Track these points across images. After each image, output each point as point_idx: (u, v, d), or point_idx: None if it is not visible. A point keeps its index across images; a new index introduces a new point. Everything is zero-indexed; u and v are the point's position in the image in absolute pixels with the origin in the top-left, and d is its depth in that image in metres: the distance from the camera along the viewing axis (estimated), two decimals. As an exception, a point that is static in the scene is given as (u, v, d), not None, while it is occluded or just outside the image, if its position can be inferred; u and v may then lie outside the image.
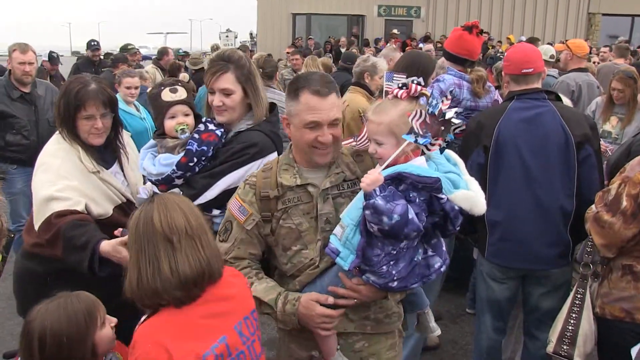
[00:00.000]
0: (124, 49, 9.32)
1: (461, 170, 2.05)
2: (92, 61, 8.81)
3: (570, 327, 2.72)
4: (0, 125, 4.86)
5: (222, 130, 2.53)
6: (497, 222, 3.03)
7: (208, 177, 2.47)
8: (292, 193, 2.15)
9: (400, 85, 1.99)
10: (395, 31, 19.42)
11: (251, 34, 27.55)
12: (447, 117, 1.97)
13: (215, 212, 2.49)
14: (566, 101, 3.50)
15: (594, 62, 7.96)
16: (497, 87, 4.43)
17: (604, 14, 21.35)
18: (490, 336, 3.32)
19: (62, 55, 13.25)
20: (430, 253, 2.03)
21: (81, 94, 2.58)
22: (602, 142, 3.52)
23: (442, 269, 2.07)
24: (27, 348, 1.77)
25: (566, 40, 6.60)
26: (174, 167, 2.45)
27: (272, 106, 2.69)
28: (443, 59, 3.65)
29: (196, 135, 2.48)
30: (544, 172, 2.93)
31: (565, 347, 2.73)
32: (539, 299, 3.12)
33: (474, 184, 2.03)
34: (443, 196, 1.88)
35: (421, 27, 21.91)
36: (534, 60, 3.06)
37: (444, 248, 2.10)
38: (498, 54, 13.22)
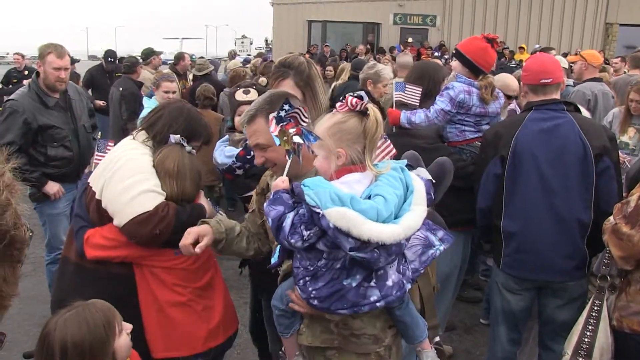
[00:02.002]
0: (150, 52, 9.40)
1: (413, 200, 1.83)
2: (105, 71, 8.90)
3: (586, 340, 2.70)
4: (40, 139, 4.18)
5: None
6: (513, 233, 3.02)
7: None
8: (268, 189, 2.32)
9: (342, 97, 1.88)
10: (409, 39, 19.42)
11: (266, 40, 27.70)
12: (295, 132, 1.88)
13: None
14: (585, 113, 3.48)
15: (610, 73, 7.92)
16: (510, 97, 4.41)
17: (621, 24, 21.19)
18: (504, 347, 3.29)
19: (78, 60, 13.40)
20: (372, 283, 1.87)
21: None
22: (620, 153, 3.49)
23: (377, 304, 1.88)
24: (48, 359, 1.77)
25: (580, 52, 6.59)
26: (234, 159, 2.68)
27: (332, 105, 2.79)
28: (456, 63, 3.62)
29: None
30: (561, 184, 2.92)
31: None
32: (555, 311, 3.09)
33: (410, 217, 1.79)
34: (318, 210, 1.71)
35: (436, 35, 21.89)
36: (552, 70, 3.05)
37: (392, 282, 1.89)
38: (509, 64, 13.18)
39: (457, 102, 3.38)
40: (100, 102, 8.19)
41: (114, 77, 8.42)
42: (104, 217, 2.55)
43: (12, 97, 4.21)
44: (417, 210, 1.81)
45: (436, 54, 16.10)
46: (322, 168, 1.90)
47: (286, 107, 1.94)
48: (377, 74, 5.10)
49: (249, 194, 2.69)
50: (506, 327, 3.26)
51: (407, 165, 2.18)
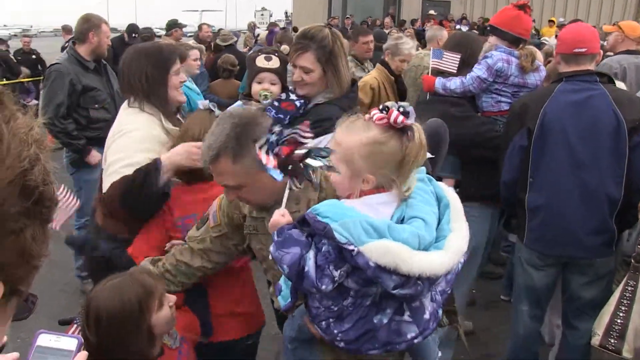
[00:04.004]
0: (173, 24, 9.38)
1: (451, 216, 1.61)
2: (126, 44, 8.87)
3: (618, 321, 2.64)
4: (82, 101, 4.37)
5: (302, 101, 2.62)
6: (538, 207, 2.94)
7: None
8: (250, 220, 2.01)
9: (382, 107, 1.55)
10: (432, 12, 19.07)
11: (286, 12, 27.44)
12: (299, 156, 1.57)
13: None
14: (620, 85, 3.36)
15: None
16: None
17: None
18: (527, 324, 3.24)
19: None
20: (406, 318, 1.61)
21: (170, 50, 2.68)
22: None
23: (415, 341, 1.64)
24: (86, 325, 1.78)
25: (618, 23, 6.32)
26: None
27: (353, 81, 2.75)
28: (491, 38, 3.54)
29: (276, 103, 2.59)
30: (591, 158, 2.83)
31: (612, 341, 2.65)
32: (580, 288, 3.03)
33: (455, 239, 1.56)
34: (351, 247, 1.42)
35: (458, 8, 21.47)
36: (588, 39, 2.92)
37: (429, 314, 1.65)
38: (532, 40, 12.85)
39: (495, 71, 3.27)
40: None
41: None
42: None
43: (54, 62, 4.48)
44: (460, 229, 1.58)
45: (458, 27, 15.78)
46: (341, 187, 1.61)
47: (276, 129, 1.60)
48: (396, 47, 4.99)
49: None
50: (529, 303, 3.21)
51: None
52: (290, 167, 1.58)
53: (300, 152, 1.58)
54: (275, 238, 1.55)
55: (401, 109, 1.51)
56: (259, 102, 2.67)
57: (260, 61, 2.71)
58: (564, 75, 2.94)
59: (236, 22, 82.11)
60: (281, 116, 2.55)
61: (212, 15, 77.22)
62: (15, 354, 1.00)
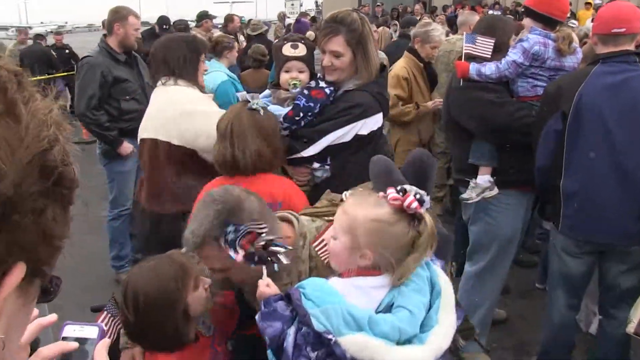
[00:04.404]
0: (204, 15, 9.43)
1: (440, 306, 1.55)
2: (157, 36, 8.94)
3: (656, 309, 2.56)
4: (113, 92, 4.45)
5: (332, 88, 2.62)
6: (573, 193, 2.86)
7: (312, 132, 2.58)
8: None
9: (400, 188, 1.51)
10: (464, -3, 18.71)
11: (316, 2, 27.34)
12: (260, 246, 1.56)
13: (316, 165, 2.64)
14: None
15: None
16: None
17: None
18: (562, 313, 3.18)
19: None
20: None
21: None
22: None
23: None
24: (125, 306, 1.80)
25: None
26: (281, 120, 2.55)
27: (382, 67, 2.74)
28: (526, 20, 3.42)
29: (306, 91, 2.59)
30: (629, 141, 2.73)
31: None
32: (618, 276, 2.95)
33: (438, 334, 1.50)
34: (330, 336, 1.41)
35: (491, -8, 20.99)
36: (628, 19, 2.79)
37: None
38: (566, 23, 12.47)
39: (531, 55, 3.16)
40: None
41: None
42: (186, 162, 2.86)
43: (86, 55, 4.56)
44: (446, 323, 1.52)
45: (491, 12, 15.46)
46: (338, 258, 1.58)
47: (230, 229, 1.60)
48: (426, 34, 4.91)
49: (294, 156, 2.63)
50: (564, 292, 3.14)
51: (383, 172, 1.94)
52: (256, 257, 1.59)
53: (260, 243, 1.58)
54: (262, 308, 1.55)
55: (417, 196, 1.47)
56: (287, 90, 2.65)
57: (287, 49, 2.68)
58: (601, 57, 2.83)
59: (267, 12, 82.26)
60: (311, 104, 2.55)
61: (243, 6, 77.47)
62: (54, 316, 1.03)
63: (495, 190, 3.29)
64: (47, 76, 9.66)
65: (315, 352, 1.45)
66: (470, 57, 3.29)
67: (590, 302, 3.64)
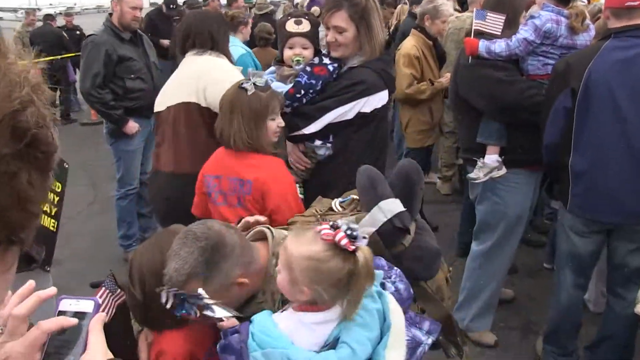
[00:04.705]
0: None
1: (389, 342, 1.51)
2: (165, 16, 8.86)
3: (665, 289, 2.52)
4: (118, 71, 4.42)
5: (336, 65, 2.59)
6: (582, 171, 2.82)
7: (314, 110, 2.56)
8: None
9: (333, 223, 1.47)
10: (477, -26, 18.37)
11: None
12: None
13: (317, 142, 2.63)
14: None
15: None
16: None
17: None
18: (570, 293, 3.15)
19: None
20: None
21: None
22: None
23: None
24: (132, 285, 1.80)
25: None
26: (283, 96, 2.53)
27: (388, 43, 2.70)
28: None
29: (308, 68, 2.56)
30: (640, 119, 2.68)
31: None
32: (627, 255, 2.90)
33: None
34: None
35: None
36: (644, -9, 2.69)
37: None
38: None
39: (543, 32, 3.07)
40: (167, 42, 8.18)
41: (172, 22, 8.39)
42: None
43: (90, 34, 4.57)
44: (393, 358, 1.49)
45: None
46: (283, 290, 1.58)
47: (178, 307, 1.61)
48: (435, 9, 4.82)
49: (295, 133, 2.61)
50: (572, 271, 3.11)
51: (368, 185, 1.92)
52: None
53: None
54: (222, 339, 1.56)
55: (349, 232, 1.42)
56: (291, 67, 2.63)
57: (290, 26, 2.66)
58: (613, 31, 2.76)
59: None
60: (313, 82, 2.53)
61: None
62: (54, 289, 1.03)
63: (503, 170, 3.25)
64: (59, 57, 9.63)
65: None
66: (480, 34, 3.22)
67: (600, 282, 3.61)
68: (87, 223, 5.60)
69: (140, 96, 4.49)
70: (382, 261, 1.70)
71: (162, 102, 3.16)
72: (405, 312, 1.61)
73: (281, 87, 2.56)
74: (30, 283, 1.03)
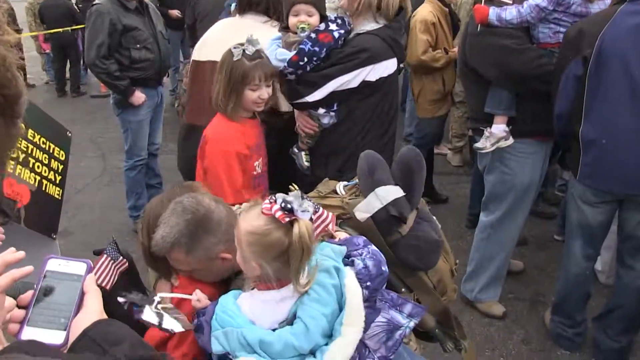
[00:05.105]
0: None
1: (344, 319, 1.49)
2: None
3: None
4: (124, 41, 4.36)
5: (342, 32, 2.52)
6: (593, 141, 2.76)
7: (318, 77, 2.51)
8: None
9: (270, 198, 1.49)
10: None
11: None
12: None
13: (321, 110, 2.59)
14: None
15: None
16: None
17: None
18: (579, 263, 3.12)
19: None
20: None
21: None
22: None
23: None
24: (142, 235, 1.88)
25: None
26: (286, 64, 2.50)
27: (399, 10, 2.62)
28: None
29: (313, 35, 2.50)
30: (654, 87, 2.60)
31: None
32: (637, 226, 2.86)
33: (338, 346, 1.47)
34: (230, 356, 1.50)
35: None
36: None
37: None
38: None
39: None
40: (175, 12, 8.11)
41: None
42: None
43: (95, 3, 4.44)
44: (349, 334, 1.48)
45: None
46: (242, 267, 1.61)
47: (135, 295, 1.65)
48: None
49: (298, 101, 2.57)
50: (582, 241, 3.07)
51: (366, 170, 1.91)
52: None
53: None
54: (195, 319, 1.62)
55: (283, 204, 1.45)
56: (296, 34, 2.57)
57: None
58: (629, -5, 2.67)
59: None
60: (316, 49, 2.47)
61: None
62: (30, 268, 1.01)
63: (511, 140, 3.19)
64: (69, 29, 9.57)
65: None
66: (490, 1, 3.13)
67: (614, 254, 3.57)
68: (97, 195, 5.63)
69: (146, 66, 4.44)
70: (360, 239, 1.69)
71: (206, 53, 3.03)
72: (377, 292, 1.60)
73: (285, 55, 2.51)
74: (4, 259, 1.00)
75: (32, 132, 2.37)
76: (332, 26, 2.52)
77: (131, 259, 1.88)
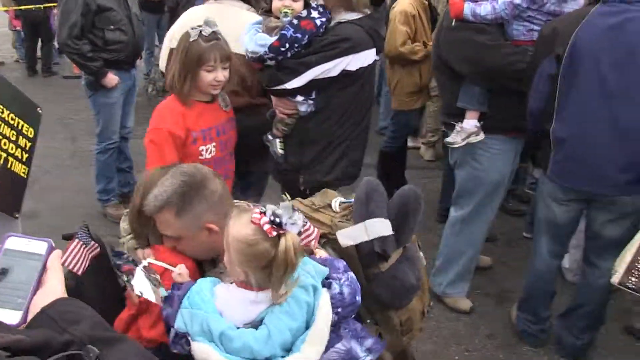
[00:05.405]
0: None
1: (308, 337, 1.52)
2: None
3: (641, 260, 2.52)
4: (98, 22, 4.28)
5: (324, 20, 2.51)
6: (563, 139, 2.79)
7: (298, 64, 2.49)
8: None
9: (261, 209, 1.50)
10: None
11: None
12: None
13: (299, 98, 2.57)
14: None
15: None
16: None
17: None
18: (545, 260, 3.16)
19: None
20: None
21: None
22: None
23: None
24: (136, 191, 1.94)
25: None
26: (267, 49, 2.48)
27: (379, 2, 2.64)
28: None
29: (295, 21, 2.48)
30: (625, 89, 2.62)
31: (634, 280, 2.53)
32: (604, 225, 2.91)
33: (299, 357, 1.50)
34: (189, 337, 1.53)
35: None
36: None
37: None
38: None
39: None
40: None
41: None
42: None
43: None
44: (308, 353, 1.51)
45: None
46: (228, 268, 1.63)
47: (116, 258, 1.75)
48: None
49: (277, 87, 2.54)
50: (549, 238, 3.12)
51: (363, 198, 1.91)
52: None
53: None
54: (170, 291, 1.63)
55: (272, 217, 1.46)
56: (278, 19, 2.54)
57: None
58: (604, -4, 2.69)
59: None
60: (299, 36, 2.45)
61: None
62: None
63: (482, 136, 3.22)
64: (42, 6, 9.31)
65: (188, 347, 1.52)
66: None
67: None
68: (66, 177, 5.52)
69: (120, 48, 4.36)
70: (341, 263, 1.70)
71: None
72: (345, 321, 1.63)
73: (266, 40, 2.49)
74: None
75: (1, 107, 2.31)
76: (314, 13, 2.51)
77: (102, 244, 1.85)
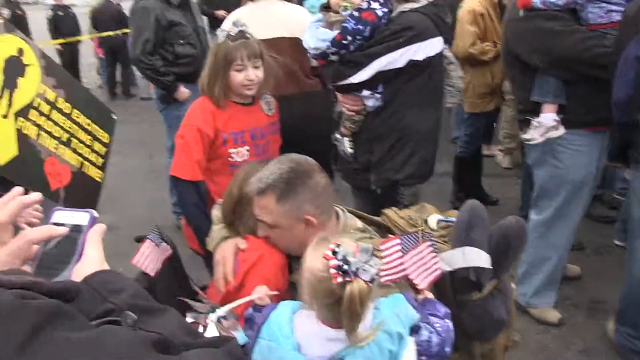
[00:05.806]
0: None
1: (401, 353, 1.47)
2: None
3: None
4: (168, 36, 4.35)
5: (386, 10, 2.46)
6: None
7: (362, 57, 2.45)
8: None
9: (334, 248, 1.39)
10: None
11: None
12: None
13: (366, 92, 2.51)
14: None
15: None
16: None
17: None
18: (644, 266, 2.89)
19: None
20: None
21: None
22: None
23: None
24: (233, 180, 2.06)
25: None
26: (329, 44, 2.45)
27: None
28: None
29: (355, 13, 2.45)
30: None
31: None
32: None
33: None
34: None
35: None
36: None
37: None
38: None
39: None
40: (222, 12, 8.11)
41: None
42: None
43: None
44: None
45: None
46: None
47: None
48: None
49: (342, 82, 2.47)
50: (647, 241, 2.84)
51: (465, 224, 1.83)
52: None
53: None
54: (251, 310, 1.63)
55: (341, 263, 1.36)
56: (338, 13, 2.50)
57: None
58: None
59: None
60: (360, 27, 2.40)
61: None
62: (38, 194, 1.05)
63: (561, 130, 2.99)
64: (119, 32, 9.87)
65: None
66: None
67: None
68: (143, 192, 5.70)
69: (189, 62, 4.42)
70: (443, 308, 1.62)
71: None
72: None
73: (327, 34, 2.45)
74: (18, 189, 1.00)
75: (78, 112, 2.39)
76: (374, 4, 2.45)
77: (175, 247, 1.87)
